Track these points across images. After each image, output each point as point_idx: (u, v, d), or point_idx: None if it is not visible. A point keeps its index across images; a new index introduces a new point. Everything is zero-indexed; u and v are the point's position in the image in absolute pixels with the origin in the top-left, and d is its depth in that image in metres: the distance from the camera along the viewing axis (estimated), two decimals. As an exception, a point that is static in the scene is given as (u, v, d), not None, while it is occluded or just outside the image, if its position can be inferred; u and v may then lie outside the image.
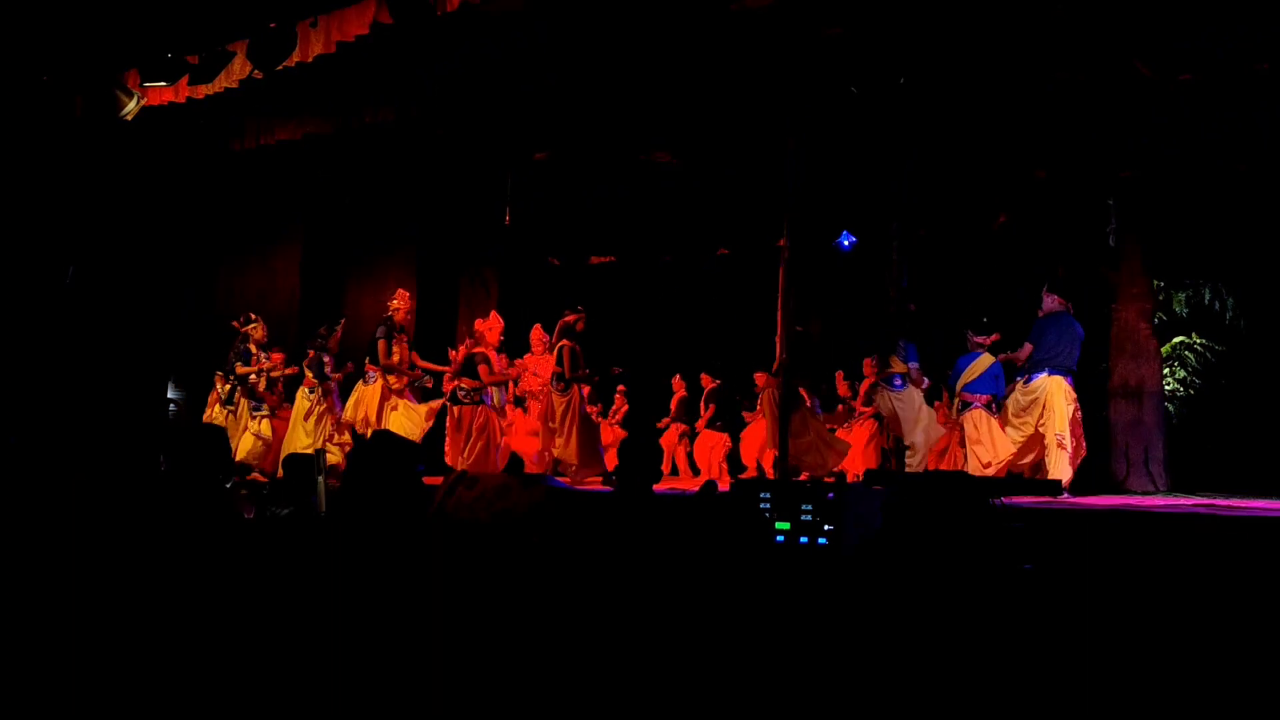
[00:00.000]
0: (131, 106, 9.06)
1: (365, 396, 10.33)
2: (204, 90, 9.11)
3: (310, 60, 8.38)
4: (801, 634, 2.78)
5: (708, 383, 13.04)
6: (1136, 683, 2.79)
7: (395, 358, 10.16)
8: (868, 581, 2.96)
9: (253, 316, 10.58)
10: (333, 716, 2.24)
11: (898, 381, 8.72)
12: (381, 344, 10.09)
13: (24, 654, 2.27)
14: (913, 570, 2.99)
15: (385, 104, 9.13)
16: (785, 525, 4.70)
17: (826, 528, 4.62)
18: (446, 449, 9.96)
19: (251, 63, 8.52)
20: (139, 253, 10.66)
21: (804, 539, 4.64)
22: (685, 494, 8.57)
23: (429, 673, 2.30)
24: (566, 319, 9.80)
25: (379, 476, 2.76)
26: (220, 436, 3.53)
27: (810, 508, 4.67)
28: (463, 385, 9.87)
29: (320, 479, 5.18)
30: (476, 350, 10.03)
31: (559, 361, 9.63)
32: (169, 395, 11.20)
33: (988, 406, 8.70)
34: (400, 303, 10.39)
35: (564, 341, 9.63)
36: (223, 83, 8.94)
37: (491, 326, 10.20)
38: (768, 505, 4.78)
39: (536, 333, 10.94)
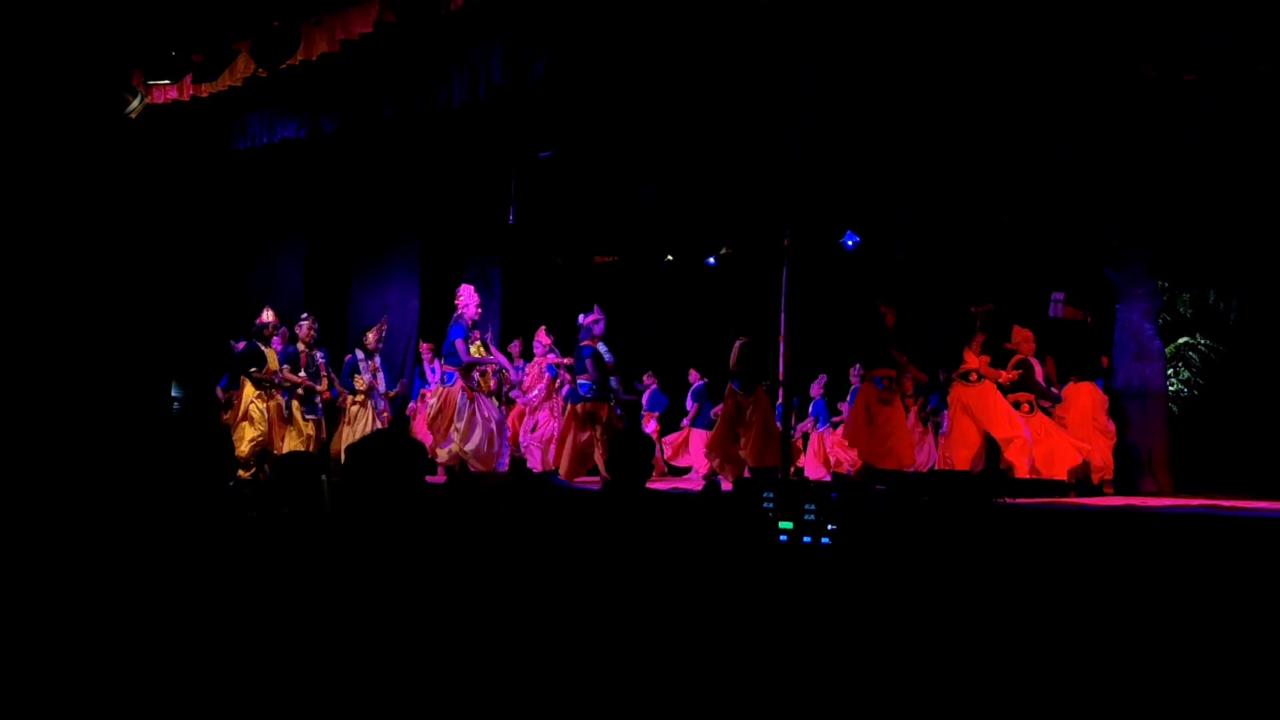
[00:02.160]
0: (136, 105, 9.06)
1: (448, 398, 10.03)
2: (208, 88, 9.12)
3: (314, 59, 8.38)
4: (805, 631, 2.78)
5: (695, 379, 12.99)
6: (1140, 682, 2.79)
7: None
8: (871, 580, 2.96)
9: (304, 316, 10.62)
10: (336, 712, 2.24)
11: (971, 376, 8.77)
12: (460, 343, 9.79)
13: (26, 651, 2.27)
14: (916, 569, 2.99)
15: (389, 102, 9.12)
16: (788, 525, 4.69)
17: (830, 527, 4.61)
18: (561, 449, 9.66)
19: (255, 61, 8.53)
20: (142, 251, 10.66)
21: (807, 538, 4.64)
22: (689, 492, 8.57)
23: (430, 668, 2.30)
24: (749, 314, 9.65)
25: (381, 475, 2.75)
26: (224, 436, 3.53)
27: (814, 507, 4.67)
28: (581, 381, 9.55)
29: (324, 477, 5.18)
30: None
31: (740, 361, 9.43)
32: (173, 394, 11.21)
33: None
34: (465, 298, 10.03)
35: (743, 339, 9.44)
36: (227, 81, 8.95)
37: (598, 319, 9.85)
38: (771, 505, 4.77)
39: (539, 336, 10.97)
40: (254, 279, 12.11)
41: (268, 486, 8.18)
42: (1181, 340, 12.08)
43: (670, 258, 14.48)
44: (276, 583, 2.45)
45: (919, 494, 4.82)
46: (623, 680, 2.46)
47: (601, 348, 9.54)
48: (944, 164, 9.59)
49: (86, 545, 2.52)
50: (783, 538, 4.65)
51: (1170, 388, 10.99)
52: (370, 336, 10.85)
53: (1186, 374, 11.99)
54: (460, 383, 9.81)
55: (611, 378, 9.67)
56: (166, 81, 9.06)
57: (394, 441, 2.98)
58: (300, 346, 10.48)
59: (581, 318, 9.79)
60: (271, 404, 10.18)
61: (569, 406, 9.66)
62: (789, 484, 5.74)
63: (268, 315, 10.44)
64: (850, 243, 11.90)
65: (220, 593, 2.42)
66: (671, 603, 2.75)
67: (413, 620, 2.35)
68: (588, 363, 9.45)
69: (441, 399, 9.96)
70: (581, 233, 13.69)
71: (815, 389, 12.45)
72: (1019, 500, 7.32)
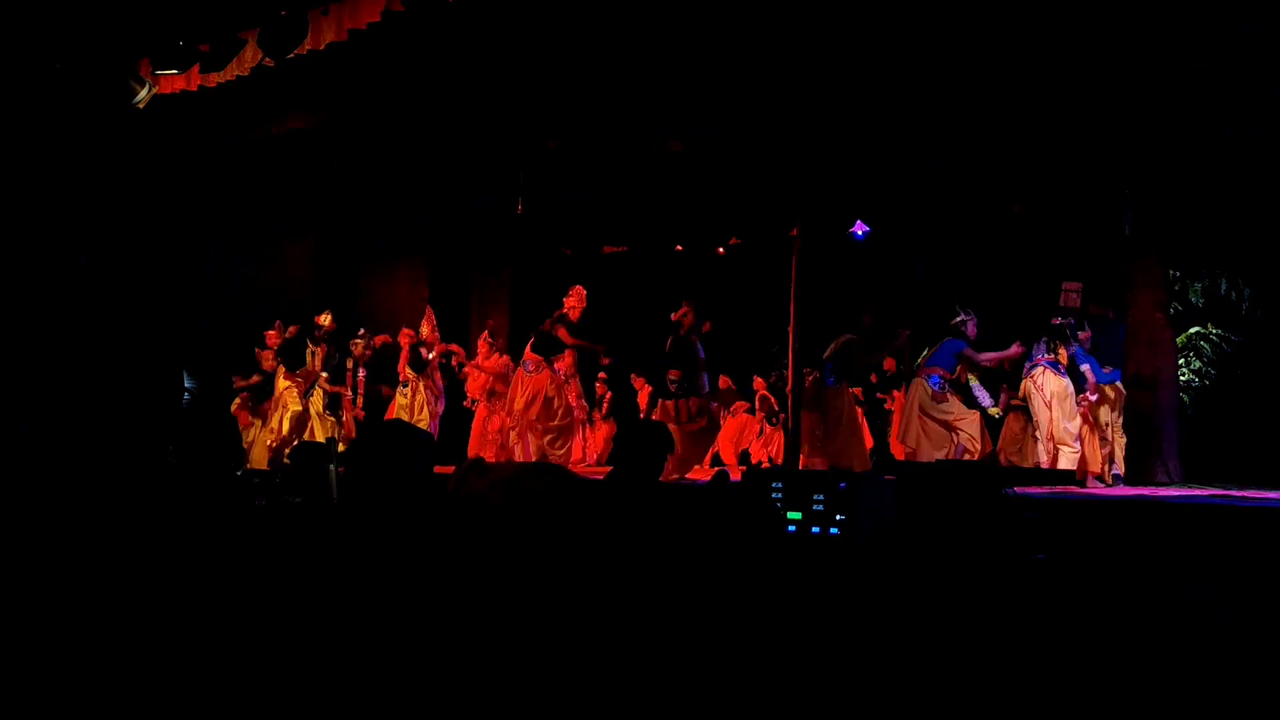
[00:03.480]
0: (143, 94, 9.06)
1: (531, 385, 9.98)
2: (215, 78, 9.10)
3: (322, 48, 8.36)
4: (813, 623, 2.77)
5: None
6: (1148, 673, 2.77)
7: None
8: (880, 571, 2.95)
9: (361, 332, 11.06)
10: (341, 706, 2.24)
11: (1060, 368, 8.80)
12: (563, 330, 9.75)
13: (33, 642, 2.28)
14: (925, 560, 2.98)
15: (397, 92, 9.10)
16: (797, 515, 4.69)
17: (838, 518, 4.61)
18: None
19: (263, 50, 8.51)
20: (151, 242, 10.69)
21: (816, 529, 4.63)
22: (698, 484, 8.57)
23: (438, 663, 2.30)
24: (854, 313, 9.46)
25: (387, 465, 2.75)
26: (232, 426, 3.53)
27: (822, 498, 4.66)
28: (672, 376, 9.33)
29: (331, 467, 5.18)
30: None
31: (836, 355, 9.23)
32: (185, 385, 11.24)
33: None
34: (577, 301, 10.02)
35: (849, 336, 9.28)
36: (234, 71, 8.93)
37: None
38: (780, 495, 4.77)
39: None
40: (262, 270, 12.11)
41: (278, 476, 8.21)
42: (1193, 330, 12.03)
43: (680, 248, 14.45)
44: (279, 572, 2.45)
45: (927, 484, 4.80)
46: (628, 670, 2.46)
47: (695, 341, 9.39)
48: (954, 155, 9.55)
49: (96, 531, 2.52)
50: (791, 528, 4.64)
51: (1181, 378, 10.95)
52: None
53: (1198, 364, 11.94)
54: (546, 371, 9.90)
55: (704, 373, 9.53)
56: (174, 71, 9.04)
57: (401, 431, 2.98)
58: (349, 363, 10.98)
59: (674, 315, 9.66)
60: (304, 401, 10.60)
61: (660, 402, 9.50)
62: (797, 474, 5.73)
63: (325, 320, 10.91)
64: (860, 233, 11.86)
65: (221, 582, 2.42)
66: (678, 593, 2.75)
67: (418, 611, 2.35)
68: (686, 355, 9.26)
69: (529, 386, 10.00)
70: (591, 222, 13.66)
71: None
72: (1028, 490, 7.31)
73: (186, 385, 11.19)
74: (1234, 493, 8.12)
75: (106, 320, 10.04)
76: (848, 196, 10.56)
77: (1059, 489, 8.16)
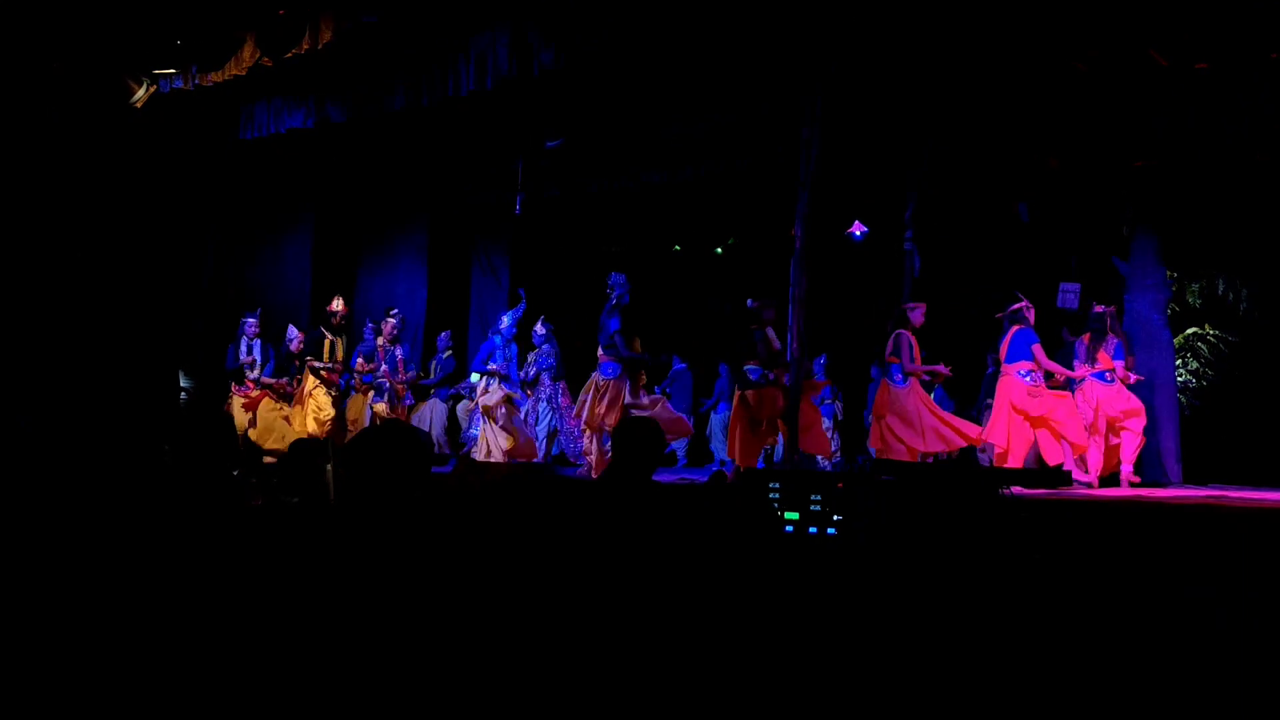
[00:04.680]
0: (141, 94, 9.06)
1: (604, 387, 9.51)
2: (213, 77, 9.10)
3: (319, 47, 8.36)
4: (811, 622, 2.77)
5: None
6: (1144, 672, 2.77)
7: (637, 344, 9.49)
8: (877, 571, 2.95)
9: (393, 312, 11.11)
10: (340, 704, 2.23)
11: (1106, 375, 8.72)
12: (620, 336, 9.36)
13: (30, 640, 2.27)
14: (922, 560, 2.98)
15: (395, 90, 9.09)
16: (794, 515, 4.68)
17: (835, 518, 4.60)
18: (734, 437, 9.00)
19: (260, 49, 8.51)
20: (149, 242, 10.68)
21: (813, 529, 4.63)
22: (695, 483, 8.56)
23: (436, 661, 2.29)
24: (904, 307, 9.16)
25: (387, 465, 2.74)
26: (229, 425, 3.52)
27: (819, 498, 4.65)
28: (750, 365, 8.98)
29: (329, 467, 5.16)
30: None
31: (895, 351, 9.06)
32: (182, 384, 11.22)
33: None
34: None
35: (900, 330, 8.96)
36: (232, 70, 8.93)
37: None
38: (777, 495, 4.76)
39: None
40: (260, 269, 12.10)
41: (275, 476, 8.18)
42: (1190, 330, 12.02)
43: (678, 248, 14.46)
44: (275, 573, 2.44)
45: (925, 484, 4.80)
46: (624, 671, 2.45)
47: (770, 332, 9.17)
48: (954, 154, 9.55)
49: (90, 531, 2.51)
50: (788, 528, 4.64)
51: (1179, 378, 10.95)
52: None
53: (1195, 364, 11.93)
54: (626, 376, 9.44)
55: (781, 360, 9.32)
56: (172, 70, 9.04)
57: (401, 432, 2.97)
58: (380, 341, 10.93)
59: (750, 302, 9.29)
60: (334, 392, 10.63)
61: (737, 392, 9.14)
62: (795, 474, 5.72)
63: (337, 304, 10.89)
64: (858, 233, 11.85)
65: (216, 581, 2.42)
66: (674, 594, 2.74)
67: (416, 611, 2.34)
68: (759, 346, 8.93)
69: (608, 391, 9.49)
70: (589, 222, 13.67)
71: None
72: (1024, 490, 7.30)
73: (183, 385, 11.18)
74: (1233, 493, 8.12)
75: (104, 319, 10.03)
76: (847, 196, 10.56)
77: (1058, 489, 8.15)
